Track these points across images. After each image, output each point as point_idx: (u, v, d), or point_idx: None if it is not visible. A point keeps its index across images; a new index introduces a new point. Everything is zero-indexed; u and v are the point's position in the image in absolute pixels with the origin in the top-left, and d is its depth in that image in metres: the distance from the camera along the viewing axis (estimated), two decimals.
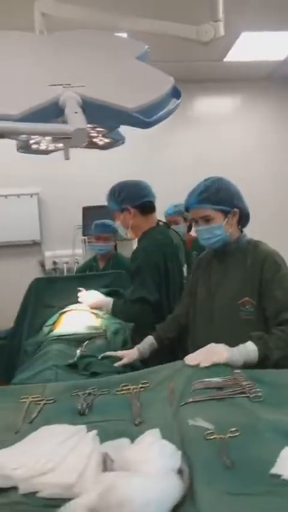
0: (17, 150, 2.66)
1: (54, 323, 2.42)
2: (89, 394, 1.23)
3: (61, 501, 0.73)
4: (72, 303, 2.61)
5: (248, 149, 4.77)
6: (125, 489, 0.61)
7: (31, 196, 4.58)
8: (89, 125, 2.45)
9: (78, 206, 4.38)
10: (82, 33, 1.60)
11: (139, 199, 2.17)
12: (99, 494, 0.62)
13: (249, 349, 1.44)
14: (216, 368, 1.30)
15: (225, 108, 4.84)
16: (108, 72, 1.40)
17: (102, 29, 1.86)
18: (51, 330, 2.35)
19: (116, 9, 2.14)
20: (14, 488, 0.75)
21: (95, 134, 2.54)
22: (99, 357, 1.85)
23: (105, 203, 4.22)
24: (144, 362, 1.78)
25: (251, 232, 1.79)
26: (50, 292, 2.75)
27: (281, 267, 1.62)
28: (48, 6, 2.06)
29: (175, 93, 1.42)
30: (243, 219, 1.75)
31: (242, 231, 1.77)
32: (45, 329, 2.38)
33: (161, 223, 2.31)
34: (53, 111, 1.25)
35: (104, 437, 0.92)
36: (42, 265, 4.59)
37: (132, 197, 2.17)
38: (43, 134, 1.20)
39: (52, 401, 1.20)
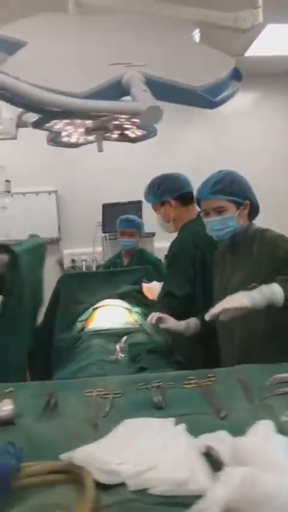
0: (47, 143, 2.61)
1: (87, 319, 2.37)
2: (157, 387, 1.17)
3: (172, 498, 0.67)
4: (102, 299, 2.57)
5: (268, 145, 4.71)
6: (270, 485, 0.55)
7: (49, 193, 4.53)
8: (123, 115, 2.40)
9: (96, 203, 4.32)
10: (132, 16, 1.54)
11: (178, 190, 2.12)
12: (238, 490, 0.56)
13: (274, 289, 1.42)
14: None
15: (244, 103, 4.77)
16: (169, 52, 1.34)
17: None
18: (84, 326, 2.30)
19: None
20: (122, 485, 0.69)
21: (129, 126, 2.49)
22: (146, 350, 1.80)
23: (123, 200, 4.24)
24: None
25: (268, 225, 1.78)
26: (79, 288, 2.70)
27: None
28: None
29: (236, 75, 1.37)
30: (253, 211, 1.74)
31: (250, 222, 1.76)
32: (79, 325, 2.33)
33: (201, 214, 2.25)
34: (115, 90, 1.19)
35: (191, 430, 0.86)
36: (61, 263, 4.53)
37: (172, 189, 2.12)
38: (112, 112, 1.15)
39: (119, 395, 1.14)
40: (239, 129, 4.67)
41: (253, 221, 1.77)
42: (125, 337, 2.07)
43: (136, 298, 2.61)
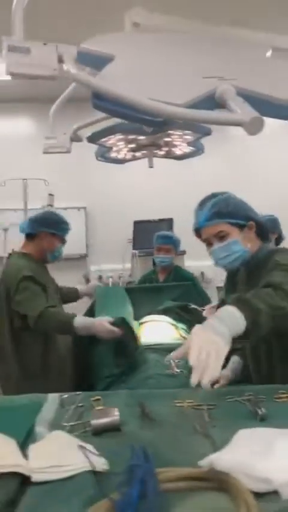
0: (96, 158, 2.66)
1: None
2: (248, 400, 1.15)
3: None
4: (144, 314, 2.56)
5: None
6: None
7: (78, 210, 4.56)
8: (178, 132, 2.43)
9: (124, 220, 4.34)
10: (209, 32, 1.58)
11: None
12: None
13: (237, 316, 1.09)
14: None
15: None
16: (253, 66, 1.37)
17: None
18: None
19: (201, 17, 2.08)
20: (274, 493, 0.67)
21: (179, 143, 2.52)
22: None
23: (151, 217, 4.25)
24: None
25: None
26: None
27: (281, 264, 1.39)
28: (140, 15, 2.06)
29: None
30: (262, 231, 1.57)
31: (263, 244, 1.58)
32: None
33: None
34: (209, 102, 1.21)
35: None
36: (87, 279, 4.53)
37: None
38: (215, 122, 1.15)
39: (213, 406, 1.12)
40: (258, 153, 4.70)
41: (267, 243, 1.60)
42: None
43: (179, 315, 2.60)
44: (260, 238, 1.56)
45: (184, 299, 2.84)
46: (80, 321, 1.88)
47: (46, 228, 2.15)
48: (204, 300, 2.98)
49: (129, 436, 0.95)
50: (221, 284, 4.45)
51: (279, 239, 3.09)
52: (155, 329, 2.33)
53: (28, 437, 0.92)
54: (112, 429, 0.97)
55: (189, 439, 0.95)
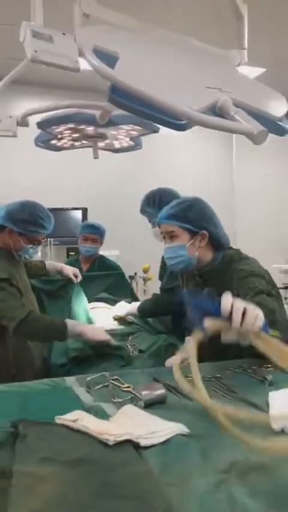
0: (36, 144, 2.62)
1: None
2: (245, 370, 1.35)
3: None
4: None
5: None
6: None
7: None
8: (127, 126, 2.54)
9: None
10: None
11: None
12: None
13: None
14: None
15: None
16: (242, 82, 1.54)
17: None
18: None
19: (152, 21, 2.20)
20: None
21: (122, 136, 2.62)
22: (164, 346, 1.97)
23: (61, 206, 4.24)
24: None
25: None
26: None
27: (247, 272, 1.50)
28: (90, 6, 2.11)
29: None
30: (215, 243, 1.61)
31: (216, 253, 1.63)
32: None
33: None
34: (211, 111, 1.36)
35: None
36: None
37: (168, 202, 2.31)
38: (225, 129, 1.28)
39: (221, 377, 1.30)
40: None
41: (222, 253, 1.63)
42: (130, 337, 2.19)
43: (115, 301, 2.71)
44: (214, 248, 1.62)
45: (115, 287, 2.96)
46: (71, 323, 1.80)
47: (12, 225, 1.89)
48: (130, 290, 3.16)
49: (175, 406, 1.07)
50: (132, 273, 4.61)
51: None
52: (103, 316, 2.41)
53: None
54: (159, 401, 1.08)
55: (227, 402, 1.10)
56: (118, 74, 1.29)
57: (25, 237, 1.93)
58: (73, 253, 4.01)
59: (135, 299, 2.93)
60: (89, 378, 1.24)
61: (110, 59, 1.38)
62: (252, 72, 4.24)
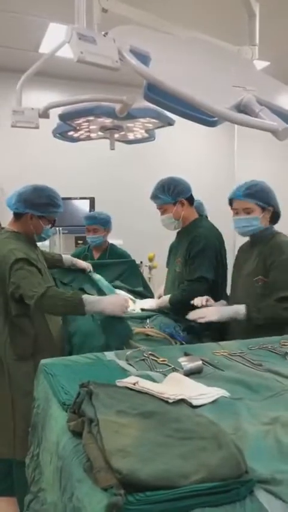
0: (54, 135, 2.71)
1: None
2: (266, 347, 1.49)
3: None
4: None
5: None
6: None
7: None
8: (143, 119, 2.64)
9: None
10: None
11: (188, 191, 2.41)
12: None
13: (239, 311, 1.82)
14: None
15: None
16: (260, 78, 1.65)
17: None
18: None
19: (168, 16, 2.26)
20: None
21: (138, 128, 2.72)
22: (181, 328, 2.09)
23: (69, 195, 4.32)
24: None
25: None
26: (67, 278, 2.79)
27: (284, 253, 1.93)
28: (109, 1, 2.20)
29: None
30: (275, 217, 2.07)
31: (270, 225, 2.08)
32: None
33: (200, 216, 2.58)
34: (236, 109, 1.47)
35: None
36: None
37: (184, 190, 2.39)
38: (251, 126, 1.39)
39: (245, 353, 1.43)
40: None
41: (274, 226, 2.08)
42: (148, 320, 2.32)
43: (126, 289, 2.82)
44: (270, 220, 2.05)
45: (127, 275, 3.07)
46: (88, 296, 1.88)
47: (33, 210, 2.00)
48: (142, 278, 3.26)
49: (211, 376, 1.20)
50: (138, 262, 4.72)
51: None
52: None
53: None
54: (197, 371, 1.20)
55: (255, 372, 1.23)
56: (155, 73, 1.40)
57: (45, 219, 2.05)
58: (81, 241, 4.11)
59: (146, 287, 3.04)
60: (128, 352, 1.37)
61: (143, 59, 1.49)
62: (257, 65, 4.33)
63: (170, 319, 2.31)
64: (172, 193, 2.37)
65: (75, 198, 4.25)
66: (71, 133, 2.69)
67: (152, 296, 2.83)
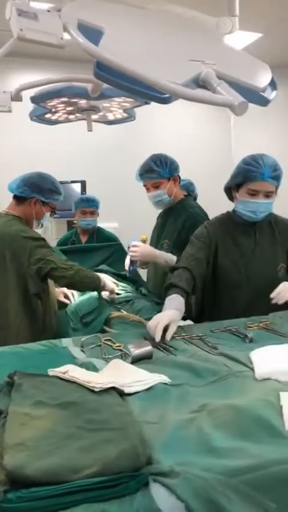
0: (31, 118, 2.66)
1: None
2: (229, 330, 1.45)
3: None
4: None
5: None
6: None
7: None
8: (119, 99, 2.56)
9: None
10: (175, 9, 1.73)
11: (179, 169, 2.33)
12: None
13: None
14: None
15: None
16: (225, 53, 1.58)
17: None
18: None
19: None
20: None
21: (115, 108, 2.65)
22: None
23: (60, 179, 4.28)
24: None
25: None
26: None
27: None
28: None
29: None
30: None
31: None
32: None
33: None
34: (194, 83, 1.41)
35: None
36: None
37: (177, 167, 2.32)
38: (206, 102, 1.33)
39: (205, 336, 1.40)
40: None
41: None
42: (130, 303, 2.29)
43: (111, 273, 2.80)
44: None
45: (114, 259, 3.05)
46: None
47: (39, 195, 2.06)
48: None
49: (161, 361, 1.17)
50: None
51: (195, 200, 3.43)
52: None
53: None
54: (146, 357, 1.18)
55: (207, 356, 1.20)
56: (102, 49, 1.34)
57: (47, 206, 2.12)
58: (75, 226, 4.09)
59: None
60: (83, 339, 1.35)
61: (95, 34, 1.42)
62: (248, 37, 4.19)
63: (152, 303, 2.29)
64: (169, 168, 2.29)
65: (67, 182, 4.20)
66: (48, 115, 2.64)
67: (139, 279, 2.78)
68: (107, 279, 2.19)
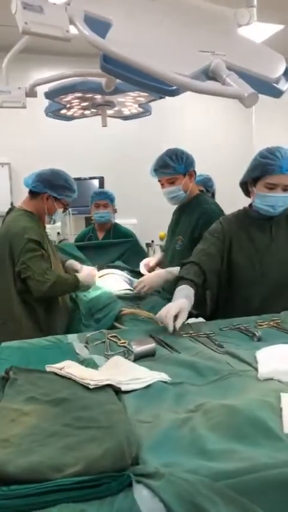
0: (46, 114, 2.66)
1: None
2: (238, 328, 1.42)
3: None
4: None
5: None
6: None
7: (2, 166, 4.42)
8: (134, 93, 2.54)
9: None
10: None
11: (194, 164, 2.28)
12: None
13: None
14: None
15: None
16: (237, 43, 1.54)
17: None
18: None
19: None
20: None
21: (130, 103, 2.63)
22: None
23: (79, 176, 4.30)
24: None
25: None
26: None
27: None
28: None
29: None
30: None
31: None
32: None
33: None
34: (204, 74, 1.37)
35: None
36: None
37: (193, 162, 2.27)
38: (216, 94, 1.30)
39: (214, 334, 1.37)
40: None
41: None
42: (143, 300, 2.27)
43: (126, 269, 2.79)
44: None
45: (130, 255, 3.04)
46: (82, 277, 2.06)
47: (51, 191, 2.08)
48: (145, 257, 3.21)
49: (164, 359, 1.15)
50: (149, 241, 4.68)
51: (213, 196, 3.38)
52: (115, 281, 2.50)
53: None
54: (149, 355, 1.16)
55: (212, 355, 1.17)
56: (109, 42, 1.32)
57: (59, 202, 2.13)
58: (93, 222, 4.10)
59: None
60: (88, 335, 1.34)
61: (102, 26, 1.40)
62: (269, 29, 4.10)
63: (165, 301, 2.26)
64: (185, 163, 2.24)
65: (85, 179, 4.22)
66: (63, 111, 2.64)
67: None
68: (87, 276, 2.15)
